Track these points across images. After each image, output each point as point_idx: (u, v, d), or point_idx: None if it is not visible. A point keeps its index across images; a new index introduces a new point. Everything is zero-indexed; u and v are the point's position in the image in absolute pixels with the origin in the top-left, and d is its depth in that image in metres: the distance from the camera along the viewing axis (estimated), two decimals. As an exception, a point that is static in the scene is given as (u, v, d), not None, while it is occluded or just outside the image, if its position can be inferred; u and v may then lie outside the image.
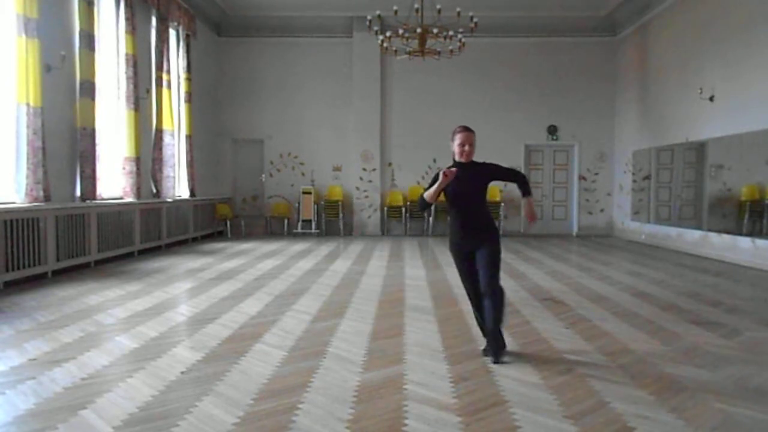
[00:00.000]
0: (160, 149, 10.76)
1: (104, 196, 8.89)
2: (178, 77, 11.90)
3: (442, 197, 4.15)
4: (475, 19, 9.73)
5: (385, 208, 14.10)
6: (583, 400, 3.25)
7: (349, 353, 4.14)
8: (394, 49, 10.33)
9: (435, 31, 9.75)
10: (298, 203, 13.95)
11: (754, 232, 9.03)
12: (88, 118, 8.33)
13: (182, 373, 3.69)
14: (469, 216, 4.11)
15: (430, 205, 4.12)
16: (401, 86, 14.15)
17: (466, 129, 4.19)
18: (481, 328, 4.23)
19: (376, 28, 10.15)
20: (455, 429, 2.88)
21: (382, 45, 10.36)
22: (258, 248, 11.03)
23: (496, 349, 3.97)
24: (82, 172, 8.34)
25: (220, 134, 14.34)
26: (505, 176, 4.25)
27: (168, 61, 11.07)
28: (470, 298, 4.22)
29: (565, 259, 9.63)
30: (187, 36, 12.07)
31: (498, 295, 3.96)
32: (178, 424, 2.90)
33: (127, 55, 9.52)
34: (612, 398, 3.27)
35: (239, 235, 13.79)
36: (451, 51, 10.39)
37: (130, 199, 9.62)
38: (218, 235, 13.62)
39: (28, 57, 6.96)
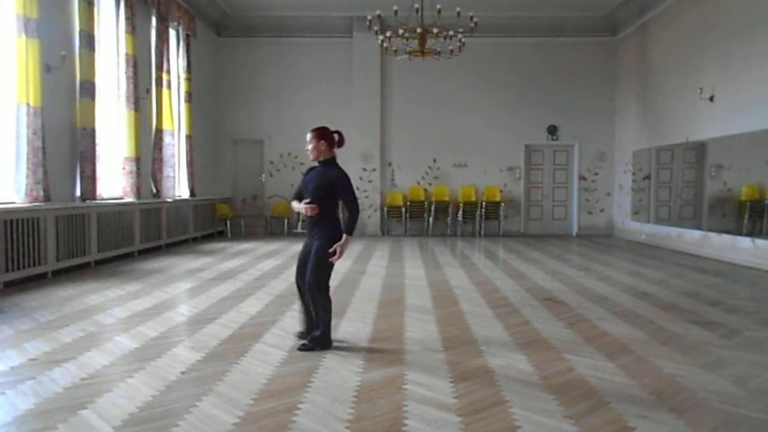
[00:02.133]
0: (160, 149, 10.76)
1: (104, 196, 8.89)
2: (178, 77, 11.90)
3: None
4: (475, 19, 9.73)
5: (385, 208, 14.10)
6: (583, 400, 3.25)
7: (349, 353, 4.14)
8: (394, 49, 10.32)
9: (435, 31, 9.74)
10: (298, 203, 13.92)
11: (754, 232, 9.03)
12: (88, 118, 8.33)
13: (182, 373, 3.69)
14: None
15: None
16: (401, 86, 14.15)
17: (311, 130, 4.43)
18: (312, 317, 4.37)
19: (376, 28, 10.15)
20: (455, 429, 2.88)
21: (382, 45, 10.35)
22: (258, 248, 11.03)
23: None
24: (82, 172, 8.34)
25: (220, 134, 14.34)
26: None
27: (168, 61, 11.07)
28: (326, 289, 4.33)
29: (565, 259, 9.62)
30: (187, 36, 12.07)
31: None
32: (178, 424, 2.90)
33: (127, 55, 9.52)
34: (612, 398, 3.28)
35: (239, 235, 13.78)
36: (451, 51, 10.39)
37: (130, 199, 9.62)
38: (218, 235, 13.62)
39: (28, 57, 6.96)
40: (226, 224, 13.64)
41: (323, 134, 4.32)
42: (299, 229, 13.75)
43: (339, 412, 3.08)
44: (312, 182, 4.31)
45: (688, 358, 4.06)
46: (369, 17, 9.89)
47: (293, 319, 5.17)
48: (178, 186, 11.78)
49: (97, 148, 8.58)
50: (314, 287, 4.21)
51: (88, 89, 8.32)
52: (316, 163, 4.41)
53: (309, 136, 4.32)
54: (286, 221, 14.17)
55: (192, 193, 12.25)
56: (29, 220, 6.93)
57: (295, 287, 4.55)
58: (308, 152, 4.34)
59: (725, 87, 9.56)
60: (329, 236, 4.25)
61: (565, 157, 14.47)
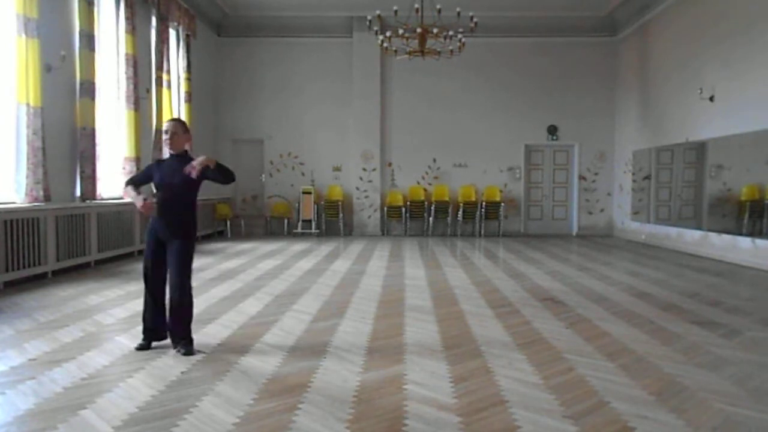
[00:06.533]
0: (160, 149, 10.74)
1: (104, 196, 8.88)
2: (178, 77, 11.89)
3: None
4: (475, 19, 9.73)
5: (385, 208, 14.10)
6: (583, 400, 3.25)
7: (349, 353, 4.14)
8: (394, 49, 10.32)
9: (435, 31, 9.75)
10: (298, 203, 13.95)
11: (754, 232, 9.03)
12: (88, 118, 8.33)
13: (182, 373, 3.70)
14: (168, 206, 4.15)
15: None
16: (401, 86, 14.15)
17: (171, 119, 4.35)
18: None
19: (376, 28, 10.15)
20: (455, 429, 2.88)
21: (382, 45, 10.35)
22: (258, 248, 11.03)
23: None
24: (82, 172, 8.34)
25: (220, 134, 14.34)
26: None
27: (168, 61, 11.06)
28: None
29: (565, 259, 9.62)
30: (187, 36, 12.07)
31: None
32: (178, 424, 2.90)
33: (127, 55, 9.52)
34: (612, 398, 3.27)
35: (239, 235, 13.78)
36: (451, 51, 10.38)
37: (130, 199, 9.59)
38: (218, 235, 13.61)
39: (28, 57, 6.95)
40: (226, 224, 13.64)
41: (187, 128, 4.29)
42: (299, 230, 13.76)
43: (339, 412, 3.08)
44: (171, 176, 4.09)
45: (688, 358, 4.06)
46: (369, 17, 9.89)
47: (293, 319, 5.18)
48: (178, 186, 11.75)
49: (97, 148, 8.57)
50: (185, 289, 4.12)
51: (88, 89, 8.32)
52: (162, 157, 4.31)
53: (171, 124, 4.17)
54: (286, 221, 14.18)
55: (192, 193, 12.22)
56: (29, 220, 6.93)
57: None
58: (166, 142, 4.15)
59: (725, 87, 9.56)
60: (191, 235, 4.20)
61: (565, 157, 14.47)
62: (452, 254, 10.33)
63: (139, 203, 4.09)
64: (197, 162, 3.93)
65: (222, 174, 4.09)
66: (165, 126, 4.24)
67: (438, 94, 14.13)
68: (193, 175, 3.93)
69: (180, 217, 4.16)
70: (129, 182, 4.33)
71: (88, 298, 6.11)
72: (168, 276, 4.17)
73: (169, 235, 4.13)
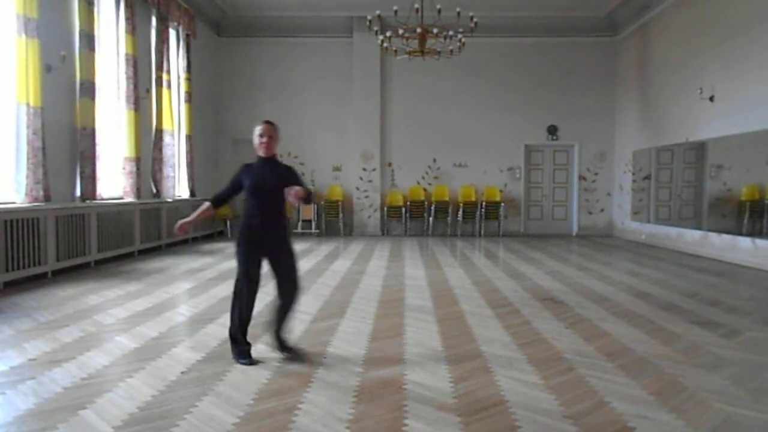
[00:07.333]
0: (160, 149, 10.76)
1: (104, 196, 8.89)
2: (178, 77, 11.89)
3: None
4: (475, 19, 9.73)
5: (385, 208, 14.10)
6: (583, 400, 3.25)
7: (349, 353, 4.14)
8: (394, 49, 10.32)
9: (435, 31, 9.74)
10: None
11: (754, 232, 9.03)
12: (88, 118, 8.33)
13: (182, 373, 3.70)
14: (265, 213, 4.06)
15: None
16: (401, 86, 14.15)
17: (266, 122, 4.19)
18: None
19: (376, 28, 10.15)
20: (455, 429, 2.88)
21: (382, 45, 10.35)
22: (258, 248, 11.01)
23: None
24: (82, 172, 8.34)
25: (220, 134, 14.34)
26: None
27: (168, 61, 11.07)
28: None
29: (565, 259, 9.62)
30: (187, 36, 12.07)
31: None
32: (178, 424, 2.90)
33: (127, 55, 9.52)
34: (612, 398, 3.28)
35: (239, 235, 13.76)
36: (451, 51, 10.38)
37: (130, 199, 9.61)
38: (218, 235, 13.61)
39: (28, 57, 6.96)
40: (226, 224, 13.63)
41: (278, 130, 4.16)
42: (299, 230, 13.75)
43: (339, 412, 3.08)
44: (263, 180, 3.98)
45: (688, 358, 4.06)
46: (369, 17, 9.89)
47: (293, 319, 5.17)
48: (178, 186, 11.78)
49: (97, 148, 8.57)
50: (299, 292, 4.13)
51: (88, 89, 8.32)
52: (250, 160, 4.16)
53: (267, 128, 4.07)
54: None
55: (192, 193, 12.25)
56: (29, 220, 6.92)
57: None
58: (262, 145, 4.06)
59: (725, 87, 9.56)
60: (289, 239, 4.17)
61: (565, 157, 14.46)
62: (452, 254, 10.33)
63: (189, 218, 4.03)
64: (296, 195, 3.76)
65: (307, 200, 3.93)
66: (260, 129, 4.06)
67: (438, 94, 14.13)
68: (290, 199, 3.82)
69: (280, 222, 4.06)
70: (214, 200, 4.15)
71: (88, 298, 6.11)
72: (279, 283, 4.02)
73: (279, 245, 4.03)
